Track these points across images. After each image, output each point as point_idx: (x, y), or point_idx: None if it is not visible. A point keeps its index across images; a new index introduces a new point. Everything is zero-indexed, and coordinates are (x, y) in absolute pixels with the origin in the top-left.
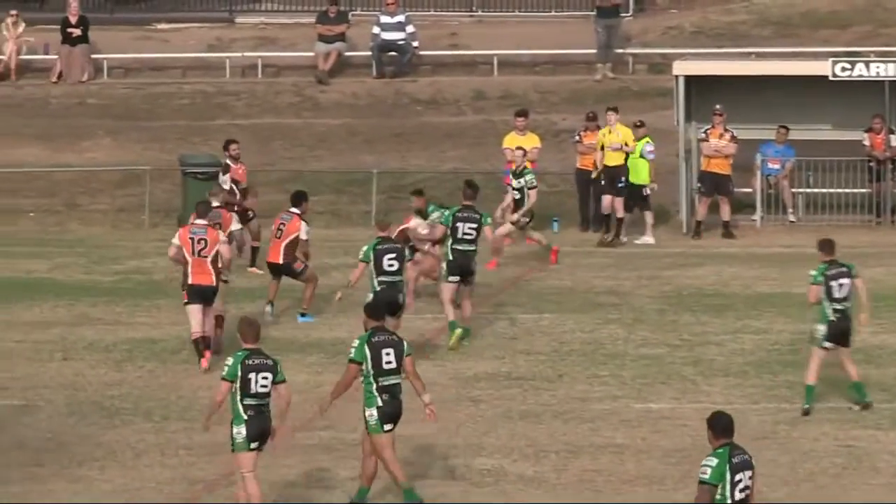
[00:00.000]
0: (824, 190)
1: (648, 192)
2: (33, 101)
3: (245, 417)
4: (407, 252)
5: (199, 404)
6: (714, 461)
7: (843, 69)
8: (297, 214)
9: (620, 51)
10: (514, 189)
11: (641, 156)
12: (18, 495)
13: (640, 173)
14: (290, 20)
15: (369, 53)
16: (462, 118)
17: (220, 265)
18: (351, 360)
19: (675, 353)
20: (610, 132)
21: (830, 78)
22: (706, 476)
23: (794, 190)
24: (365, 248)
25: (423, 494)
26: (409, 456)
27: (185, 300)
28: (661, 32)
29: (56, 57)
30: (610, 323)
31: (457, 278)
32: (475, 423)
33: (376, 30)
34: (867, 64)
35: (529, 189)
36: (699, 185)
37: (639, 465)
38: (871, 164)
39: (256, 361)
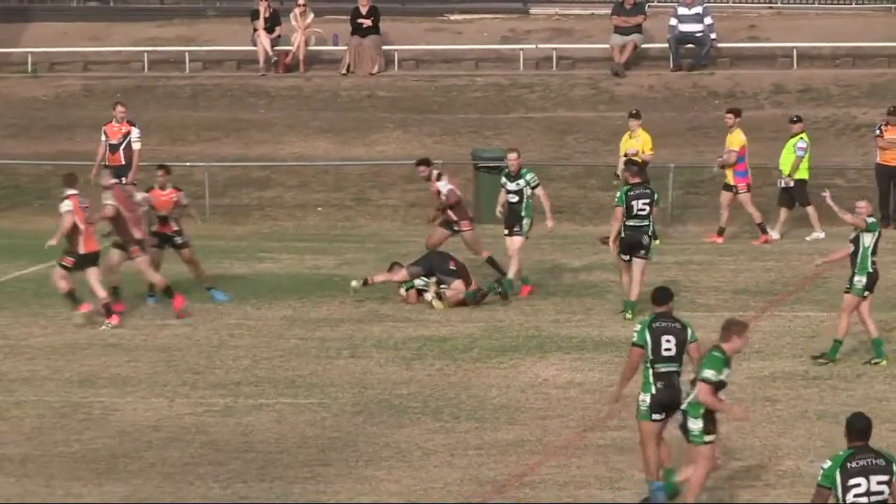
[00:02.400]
0: None
1: (783, 184)
2: (322, 94)
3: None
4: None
5: (490, 404)
6: (828, 464)
7: None
8: None
9: None
10: (508, 192)
11: (793, 151)
12: (299, 495)
13: (801, 169)
14: (586, 11)
15: (666, 45)
16: (760, 112)
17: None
18: (633, 344)
19: None
20: (630, 137)
21: None
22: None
23: None
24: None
25: (720, 496)
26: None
27: None
28: None
29: (345, 48)
30: None
31: (627, 256)
32: (772, 423)
33: (673, 21)
34: None
35: (533, 189)
36: None
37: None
38: None
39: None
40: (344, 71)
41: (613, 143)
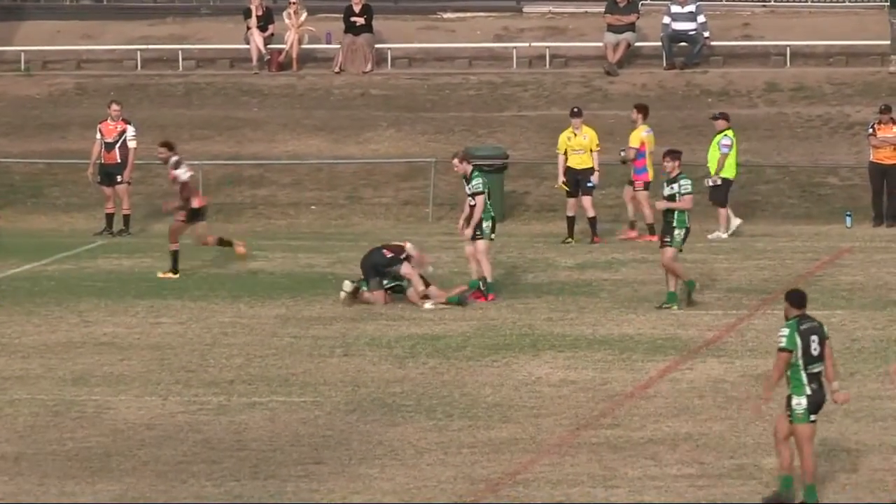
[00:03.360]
0: None
1: (711, 183)
2: (315, 92)
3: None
4: None
5: (483, 402)
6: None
7: None
8: None
9: None
10: (468, 196)
11: (718, 148)
12: (292, 494)
13: (726, 167)
14: (579, 9)
15: (659, 44)
16: (754, 110)
17: None
18: (781, 349)
19: None
20: (575, 135)
21: None
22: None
23: None
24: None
25: (714, 494)
26: (697, 453)
27: None
28: None
29: (338, 47)
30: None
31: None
32: (764, 421)
33: (666, 20)
34: None
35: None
36: None
37: None
38: None
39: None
40: (337, 69)
41: (608, 142)
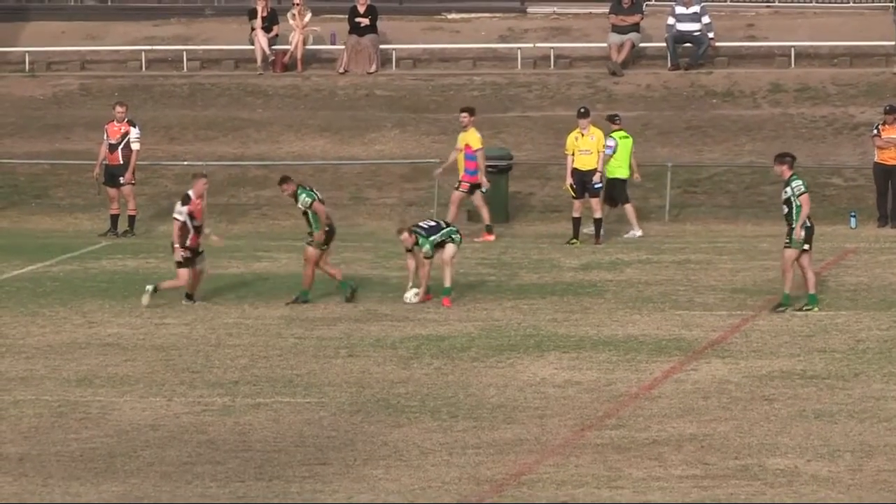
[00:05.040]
0: None
1: (598, 183)
2: (319, 93)
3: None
4: None
5: (488, 403)
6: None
7: None
8: None
9: None
10: None
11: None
12: (297, 494)
13: (612, 167)
14: (583, 10)
15: (664, 44)
16: (758, 111)
17: None
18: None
19: None
20: (582, 136)
21: None
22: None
23: None
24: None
25: (717, 495)
26: (702, 454)
27: None
28: None
29: (343, 47)
30: None
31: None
32: (769, 422)
33: (671, 20)
34: None
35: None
36: None
37: None
38: None
39: None
40: (341, 70)
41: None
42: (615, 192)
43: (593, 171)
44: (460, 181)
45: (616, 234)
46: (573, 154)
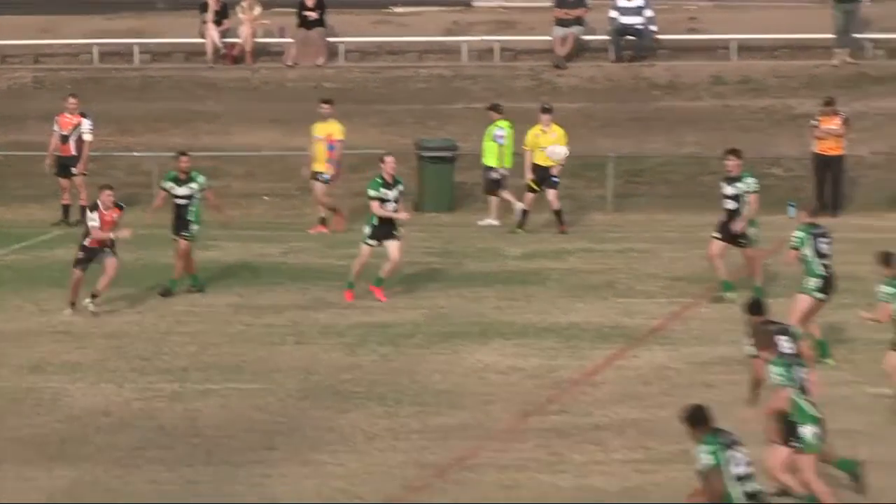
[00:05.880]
0: None
1: (497, 176)
2: (268, 85)
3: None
4: None
5: (433, 389)
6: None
7: None
8: None
9: (859, 36)
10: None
11: (493, 140)
12: (245, 479)
13: (491, 157)
14: (528, 4)
15: (607, 37)
16: (700, 103)
17: None
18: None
19: None
20: (544, 132)
21: None
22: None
23: None
24: None
25: (655, 478)
26: (643, 439)
27: None
28: None
29: (292, 40)
30: (844, 308)
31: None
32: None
33: (614, 14)
34: None
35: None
36: None
37: (873, 450)
38: None
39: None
40: (290, 63)
41: None
42: (490, 180)
43: (553, 166)
44: (319, 173)
45: (473, 223)
46: (533, 150)
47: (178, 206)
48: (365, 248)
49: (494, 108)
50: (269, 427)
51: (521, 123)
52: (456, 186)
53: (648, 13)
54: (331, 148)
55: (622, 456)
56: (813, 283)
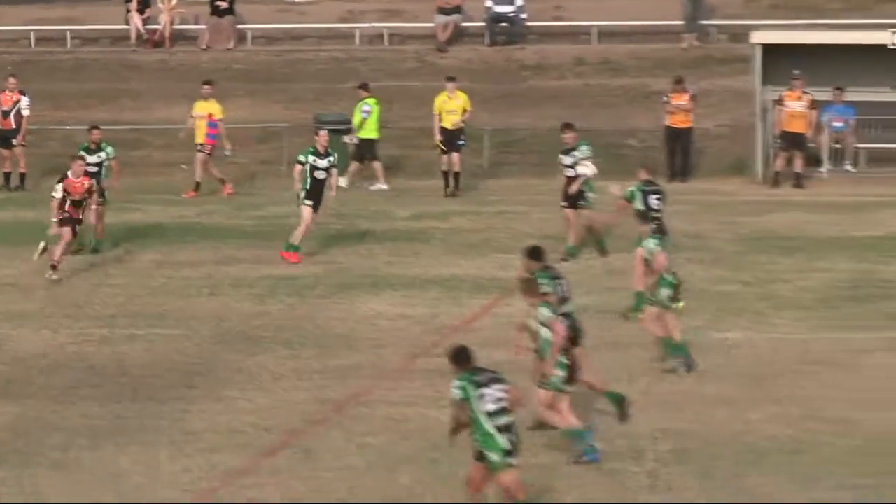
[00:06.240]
0: (884, 145)
1: (351, 140)
2: (185, 67)
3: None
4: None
5: (332, 334)
6: (460, 384)
7: None
8: None
9: (705, 22)
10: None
11: (360, 113)
12: (168, 414)
13: (367, 129)
14: None
15: (483, 24)
16: (564, 82)
17: None
18: None
19: (748, 289)
20: (449, 98)
21: (889, 46)
22: (458, 396)
23: (857, 145)
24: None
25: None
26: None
27: None
28: (741, 6)
29: (205, 27)
30: (692, 262)
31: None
32: None
33: (489, 3)
34: None
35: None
36: (779, 141)
37: (717, 387)
38: None
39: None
40: (204, 46)
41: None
42: (366, 150)
43: (459, 130)
44: (203, 144)
45: (364, 187)
46: (440, 114)
47: (91, 173)
48: (305, 210)
49: (363, 86)
50: (187, 368)
51: (408, 99)
52: (350, 154)
53: (519, 2)
54: (212, 125)
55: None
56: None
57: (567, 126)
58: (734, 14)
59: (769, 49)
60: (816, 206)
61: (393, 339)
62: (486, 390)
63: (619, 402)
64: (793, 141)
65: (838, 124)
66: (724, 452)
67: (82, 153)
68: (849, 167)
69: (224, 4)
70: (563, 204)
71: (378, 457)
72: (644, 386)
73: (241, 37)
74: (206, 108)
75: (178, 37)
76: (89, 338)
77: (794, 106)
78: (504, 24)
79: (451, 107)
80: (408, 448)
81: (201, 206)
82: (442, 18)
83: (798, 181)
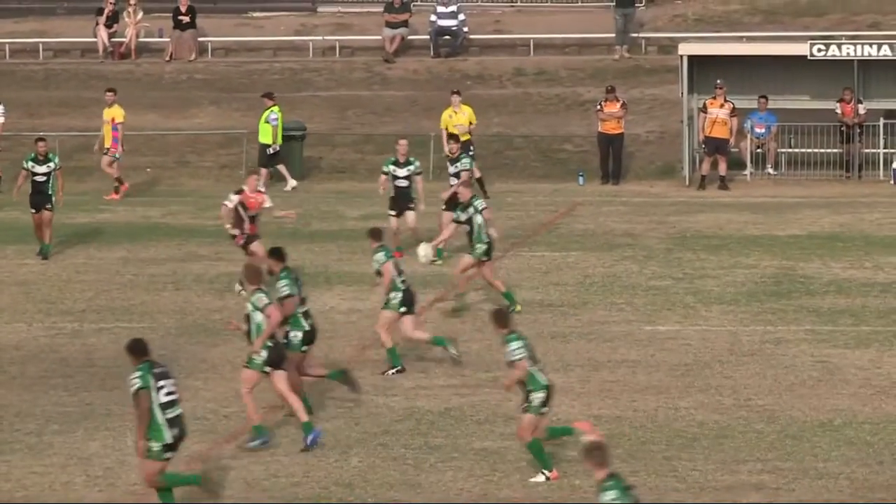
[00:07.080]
0: (803, 150)
1: (271, 151)
2: (149, 77)
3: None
4: None
5: None
6: (138, 373)
7: (819, 50)
8: None
9: (635, 35)
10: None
11: (266, 122)
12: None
13: (266, 135)
14: (363, 9)
15: (428, 37)
16: (504, 91)
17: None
18: None
19: (678, 284)
20: (455, 113)
21: (809, 57)
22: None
23: (779, 150)
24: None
25: (472, 400)
26: (459, 368)
27: None
28: (668, 20)
29: (168, 40)
30: (625, 260)
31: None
32: None
33: (433, 17)
34: (839, 46)
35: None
36: (703, 146)
37: (649, 377)
38: (842, 128)
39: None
40: (167, 58)
41: (386, 116)
42: (274, 156)
43: (467, 143)
44: (108, 148)
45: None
46: (447, 129)
47: (39, 182)
48: (391, 220)
49: (268, 95)
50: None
51: (358, 107)
52: (305, 160)
53: (461, 17)
54: (115, 129)
55: (443, 382)
56: (479, 247)
57: (451, 137)
58: (662, 27)
59: (695, 60)
60: (740, 206)
61: (344, 332)
62: (161, 382)
63: (343, 375)
64: (716, 146)
65: (760, 130)
66: (655, 437)
67: (30, 164)
68: (770, 171)
69: (186, 19)
70: (444, 207)
71: (332, 441)
72: (580, 375)
73: (202, 49)
74: (110, 114)
75: (144, 49)
76: (61, 331)
77: (717, 113)
78: (447, 37)
79: (457, 121)
80: (358, 432)
81: (166, 208)
82: (389, 32)
83: (723, 184)
